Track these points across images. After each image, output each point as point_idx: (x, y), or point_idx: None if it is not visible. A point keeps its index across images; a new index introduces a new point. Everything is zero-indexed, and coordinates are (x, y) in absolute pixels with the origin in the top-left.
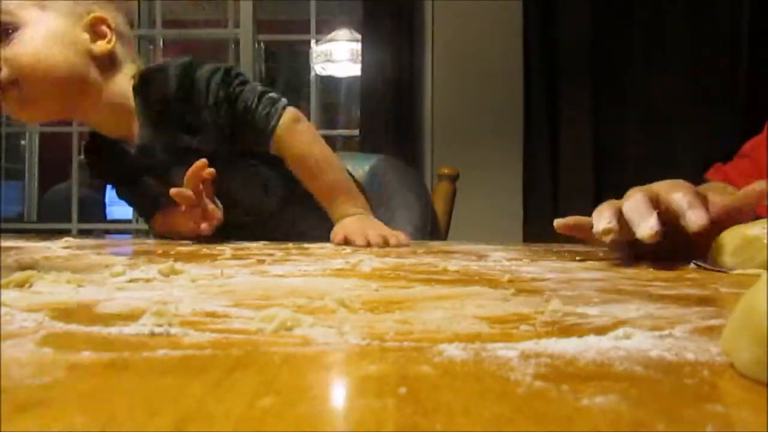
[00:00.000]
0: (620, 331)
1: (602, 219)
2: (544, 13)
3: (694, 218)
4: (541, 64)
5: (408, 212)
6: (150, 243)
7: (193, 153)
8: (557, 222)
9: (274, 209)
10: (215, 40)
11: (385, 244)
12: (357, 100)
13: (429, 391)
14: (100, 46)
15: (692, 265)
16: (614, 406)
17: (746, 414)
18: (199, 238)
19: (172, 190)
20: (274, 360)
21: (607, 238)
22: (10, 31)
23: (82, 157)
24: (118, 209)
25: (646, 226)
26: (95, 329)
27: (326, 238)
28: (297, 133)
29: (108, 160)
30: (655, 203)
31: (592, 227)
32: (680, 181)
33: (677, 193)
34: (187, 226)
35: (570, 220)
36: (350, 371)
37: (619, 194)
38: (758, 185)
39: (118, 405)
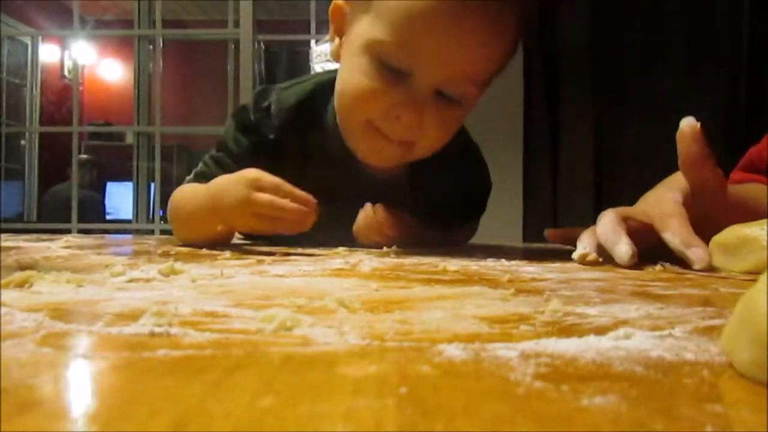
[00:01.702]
0: (620, 331)
1: (580, 244)
2: (544, 13)
3: (695, 259)
4: (541, 64)
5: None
6: (150, 243)
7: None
8: (548, 232)
9: None
10: (215, 40)
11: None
12: None
13: (429, 391)
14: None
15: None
16: (614, 406)
17: (746, 414)
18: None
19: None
20: (274, 360)
21: (584, 262)
22: (456, 103)
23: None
24: (118, 209)
25: (621, 252)
26: (95, 329)
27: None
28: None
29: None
30: (625, 222)
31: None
32: (658, 199)
33: (666, 233)
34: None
35: (560, 231)
36: (350, 371)
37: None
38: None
39: (118, 405)
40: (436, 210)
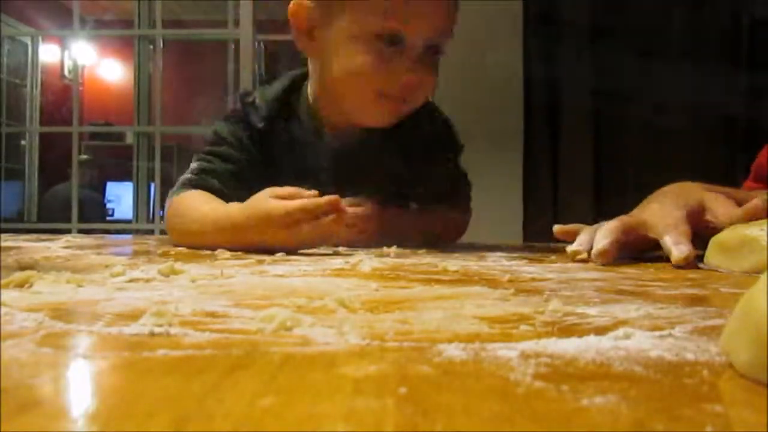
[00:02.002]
0: (620, 331)
1: (576, 240)
2: (545, 16)
3: (677, 253)
4: (542, 65)
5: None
6: (150, 243)
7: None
8: (557, 228)
9: None
10: (215, 40)
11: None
12: None
13: (429, 391)
14: None
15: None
16: (614, 406)
17: (746, 414)
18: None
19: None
20: (274, 360)
21: (574, 260)
22: (438, 54)
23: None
24: (118, 209)
25: (594, 249)
26: (95, 329)
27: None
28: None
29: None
30: (630, 231)
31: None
32: (671, 212)
33: (666, 236)
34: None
35: (570, 227)
36: (350, 371)
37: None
38: (759, 200)
39: (118, 405)
40: (412, 178)
